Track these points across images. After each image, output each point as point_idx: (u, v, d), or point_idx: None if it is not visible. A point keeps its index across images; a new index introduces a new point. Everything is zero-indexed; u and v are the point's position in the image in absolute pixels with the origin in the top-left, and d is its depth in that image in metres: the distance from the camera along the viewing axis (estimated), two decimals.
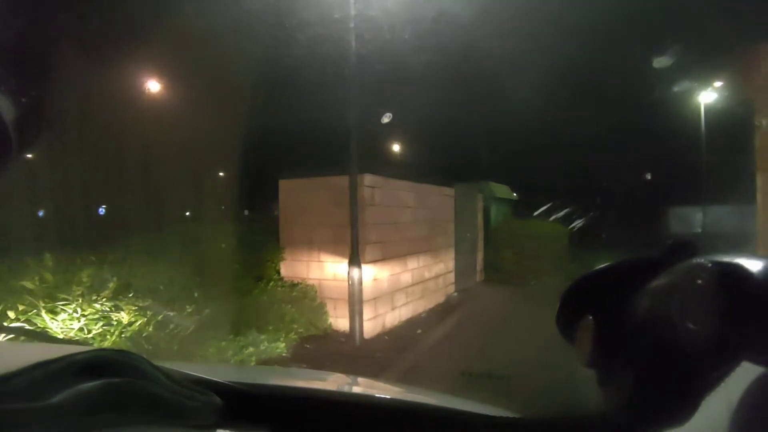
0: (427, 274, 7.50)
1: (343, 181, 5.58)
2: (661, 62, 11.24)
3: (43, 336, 1.91)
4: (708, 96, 12.95)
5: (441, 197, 8.26)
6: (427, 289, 7.53)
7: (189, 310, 3.50)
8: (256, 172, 6.65)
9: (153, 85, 10.00)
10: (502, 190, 12.26)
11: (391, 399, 1.05)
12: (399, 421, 0.76)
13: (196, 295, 3.73)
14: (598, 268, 0.53)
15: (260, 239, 6.28)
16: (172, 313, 3.26)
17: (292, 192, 6.45)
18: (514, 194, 13.10)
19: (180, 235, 5.53)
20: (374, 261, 5.92)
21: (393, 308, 6.39)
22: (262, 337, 4.41)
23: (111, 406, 0.51)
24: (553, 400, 2.61)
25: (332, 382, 1.46)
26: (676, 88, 13.51)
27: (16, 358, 0.52)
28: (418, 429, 0.75)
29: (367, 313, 5.69)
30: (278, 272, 6.25)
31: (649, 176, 17.14)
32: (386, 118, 9.34)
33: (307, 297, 5.60)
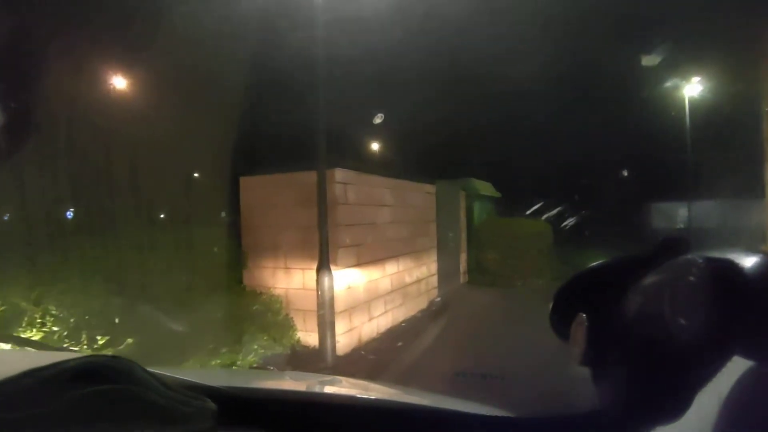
0: (407, 279, 6.87)
1: (311, 177, 4.89)
2: (649, 60, 11.00)
3: (33, 343, 1.86)
4: (693, 89, 12.66)
5: (422, 195, 7.64)
6: (408, 295, 6.90)
7: (100, 342, 2.75)
8: (216, 169, 5.91)
9: (107, 81, 9.15)
10: (486, 188, 11.71)
11: (386, 401, 1.03)
12: (395, 423, 0.75)
13: (117, 321, 2.97)
14: (590, 266, 0.54)
15: (219, 244, 5.54)
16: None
17: (256, 190, 5.73)
18: (498, 192, 12.55)
19: (118, 242, 4.73)
20: (348, 267, 5.25)
21: (370, 319, 5.73)
22: (213, 363, 3.70)
23: (104, 412, 0.50)
24: (547, 401, 2.69)
25: (328, 384, 1.45)
26: (665, 84, 13.25)
27: (6, 366, 0.54)
28: (414, 430, 0.74)
29: (341, 325, 5.02)
30: (240, 282, 5.53)
31: (629, 173, 16.92)
32: (378, 119, 9.22)
33: (270, 310, 4.89)
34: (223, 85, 6.18)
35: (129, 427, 0.52)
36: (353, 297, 5.36)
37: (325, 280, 4.59)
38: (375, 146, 20.35)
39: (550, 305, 0.55)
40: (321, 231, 4.62)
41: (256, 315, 4.64)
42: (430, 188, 7.94)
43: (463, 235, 9.99)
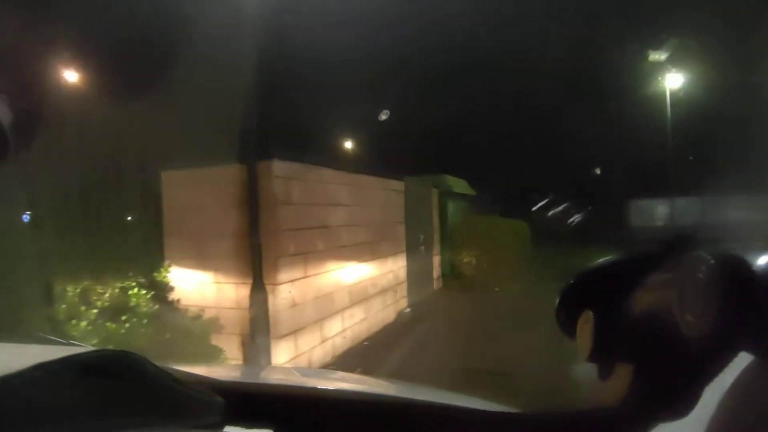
0: (371, 290, 5.97)
1: (245, 171, 3.96)
2: (656, 55, 10.56)
3: (42, 338, 1.60)
4: (672, 82, 12.16)
5: (388, 193, 6.75)
6: (372, 308, 6.00)
7: None
8: (134, 162, 4.89)
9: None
10: (460, 185, 10.89)
11: (393, 396, 1.01)
12: (402, 418, 0.74)
13: None
14: (597, 263, 0.54)
15: (135, 254, 4.53)
16: None
17: (182, 188, 4.73)
18: (473, 190, 11.75)
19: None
20: (292, 280, 4.31)
21: (323, 340, 4.80)
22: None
23: (114, 406, 0.49)
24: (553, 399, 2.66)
25: (335, 380, 1.44)
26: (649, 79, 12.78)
27: (16, 359, 0.56)
28: (422, 426, 0.73)
29: (283, 353, 4.09)
30: (165, 299, 4.54)
31: (609, 170, 16.45)
32: (383, 116, 9.40)
33: (191, 335, 3.91)
34: (146, 63, 5.15)
35: (138, 421, 0.51)
36: (300, 316, 4.42)
37: (259, 299, 3.65)
38: (336, 139, 18.73)
39: (557, 302, 0.54)
40: (253, 238, 3.69)
41: (170, 344, 3.65)
42: (397, 185, 7.06)
43: (436, 237, 9.15)
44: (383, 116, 9.66)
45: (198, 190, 4.62)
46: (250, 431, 0.69)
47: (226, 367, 2.66)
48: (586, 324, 0.51)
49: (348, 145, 18.94)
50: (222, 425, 0.64)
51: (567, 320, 0.54)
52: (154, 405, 0.53)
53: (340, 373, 2.06)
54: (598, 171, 18.56)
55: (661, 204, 13.73)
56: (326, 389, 1.09)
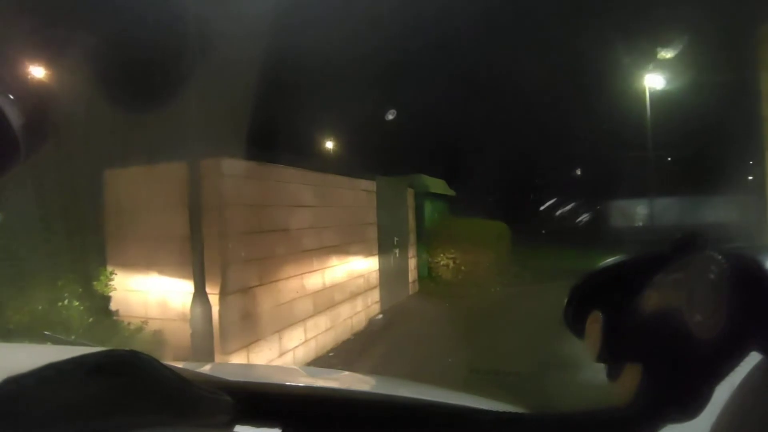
0: (338, 296, 5.61)
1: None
2: (665, 53, 10.50)
3: (53, 338, 1.79)
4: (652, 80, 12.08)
5: (357, 193, 6.40)
6: (340, 315, 5.64)
7: None
8: (79, 162, 4.47)
9: None
10: (438, 185, 10.58)
11: (401, 397, 0.97)
12: (409, 418, 0.74)
13: None
14: (606, 263, 0.54)
15: (71, 260, 4.09)
16: None
17: (126, 188, 4.32)
18: (452, 190, 11.46)
19: None
20: (244, 288, 3.93)
21: (282, 353, 4.43)
22: None
23: (124, 406, 0.50)
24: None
25: (343, 380, 1.43)
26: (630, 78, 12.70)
27: (27, 359, 0.59)
28: (429, 426, 0.74)
29: None
30: (106, 309, 4.12)
31: (588, 170, 16.40)
32: (390, 115, 9.18)
33: None
34: (84, 52, 4.71)
35: (148, 420, 0.52)
36: (255, 328, 4.05)
37: (198, 311, 3.27)
38: (302, 138, 18.00)
39: (565, 302, 0.54)
40: (194, 242, 3.30)
41: None
42: (368, 185, 6.71)
43: (412, 239, 8.82)
44: (390, 116, 9.57)
45: (144, 190, 4.22)
46: (258, 430, 0.68)
47: (234, 366, 2.68)
48: (595, 324, 0.51)
49: (316, 143, 18.36)
50: (231, 424, 0.64)
51: (576, 320, 0.54)
52: (164, 404, 0.53)
53: (347, 373, 2.04)
54: (578, 171, 18.56)
55: (639, 204, 13.70)
56: (333, 389, 1.09)
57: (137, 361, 0.53)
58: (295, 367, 3.48)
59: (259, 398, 0.74)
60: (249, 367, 2.81)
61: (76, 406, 0.45)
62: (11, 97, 0.55)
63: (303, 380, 1.27)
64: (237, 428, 0.66)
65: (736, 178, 12.17)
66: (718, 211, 12.72)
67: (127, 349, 0.52)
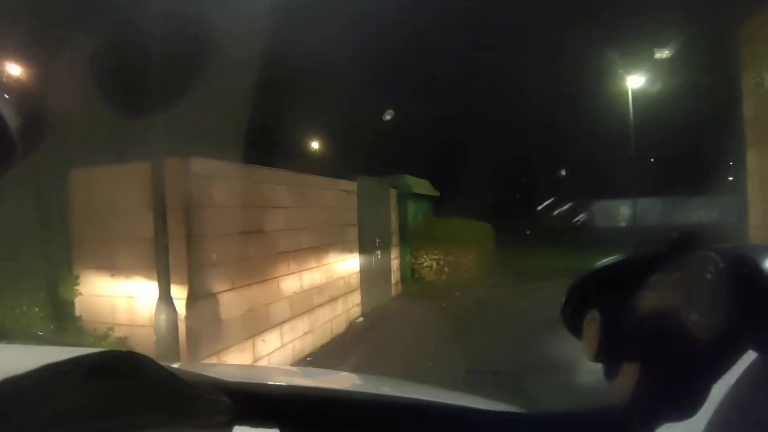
0: (317, 299, 5.49)
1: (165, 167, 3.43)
2: (648, 54, 10.65)
3: (50, 339, 1.85)
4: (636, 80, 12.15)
5: (337, 193, 6.28)
6: (318, 319, 5.52)
7: None
8: (42, 162, 4.27)
9: None
10: (422, 185, 10.50)
11: (401, 397, 0.97)
12: (410, 419, 0.74)
13: None
14: (602, 262, 0.53)
15: (33, 265, 3.91)
16: None
17: (93, 188, 4.14)
18: (436, 191, 11.39)
19: None
20: (214, 293, 3.80)
21: (256, 359, 4.30)
22: None
23: (121, 407, 0.49)
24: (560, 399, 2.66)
25: (343, 380, 1.44)
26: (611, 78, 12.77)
27: (23, 360, 0.55)
28: (428, 425, 0.73)
29: None
30: (71, 315, 3.95)
31: (573, 170, 16.49)
32: (388, 116, 9.11)
33: None
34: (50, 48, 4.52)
35: (146, 421, 0.51)
36: (226, 334, 3.91)
37: (162, 317, 3.13)
38: (282, 138, 17.62)
39: (563, 301, 0.54)
40: (158, 245, 3.17)
41: None
42: (348, 185, 6.60)
43: (395, 240, 8.73)
44: (388, 116, 9.55)
45: (110, 190, 4.05)
46: (257, 431, 0.67)
47: (232, 366, 2.69)
48: (592, 323, 0.51)
49: (297, 144, 18.10)
50: (229, 425, 0.64)
51: (573, 319, 0.53)
52: (161, 405, 0.53)
53: (346, 374, 2.06)
54: (563, 172, 18.66)
55: (621, 205, 13.80)
56: (332, 389, 1.08)
57: (134, 362, 0.53)
58: (294, 368, 3.45)
59: (257, 399, 0.74)
60: (247, 367, 2.79)
61: (73, 407, 0.45)
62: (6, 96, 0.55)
63: (301, 380, 1.27)
64: (235, 429, 0.66)
65: (717, 179, 12.30)
66: (699, 212, 12.85)
67: (125, 350, 0.51)
